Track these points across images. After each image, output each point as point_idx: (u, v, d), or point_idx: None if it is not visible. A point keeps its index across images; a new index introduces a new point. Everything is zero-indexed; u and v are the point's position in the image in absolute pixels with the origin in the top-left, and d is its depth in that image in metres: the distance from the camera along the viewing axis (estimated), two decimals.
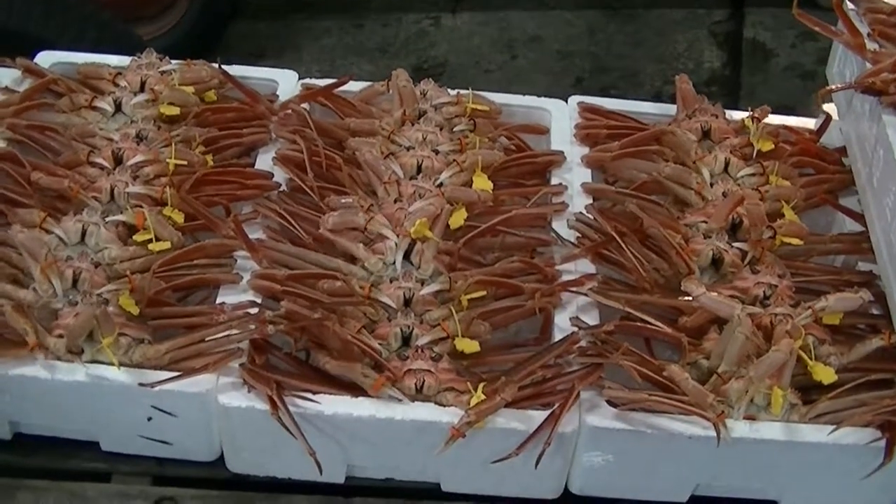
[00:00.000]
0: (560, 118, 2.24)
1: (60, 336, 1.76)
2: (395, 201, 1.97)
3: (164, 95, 2.11)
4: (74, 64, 2.27)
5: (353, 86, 2.26)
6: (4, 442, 1.86)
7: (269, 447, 1.77)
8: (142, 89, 2.15)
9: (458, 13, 3.15)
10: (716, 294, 1.85)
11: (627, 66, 2.88)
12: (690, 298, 1.87)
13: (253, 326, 1.77)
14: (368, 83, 2.24)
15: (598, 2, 3.11)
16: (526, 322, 1.93)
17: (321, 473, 1.73)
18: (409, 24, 3.11)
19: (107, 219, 1.91)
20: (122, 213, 1.94)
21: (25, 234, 1.81)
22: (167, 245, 1.88)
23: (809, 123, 2.31)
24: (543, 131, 2.23)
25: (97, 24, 2.50)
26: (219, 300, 1.86)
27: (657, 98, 2.51)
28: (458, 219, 1.94)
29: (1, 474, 1.83)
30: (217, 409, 1.74)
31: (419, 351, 1.78)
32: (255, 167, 2.09)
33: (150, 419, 1.78)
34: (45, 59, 2.29)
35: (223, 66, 2.15)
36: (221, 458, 1.83)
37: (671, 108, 2.29)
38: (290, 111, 2.14)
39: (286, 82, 2.26)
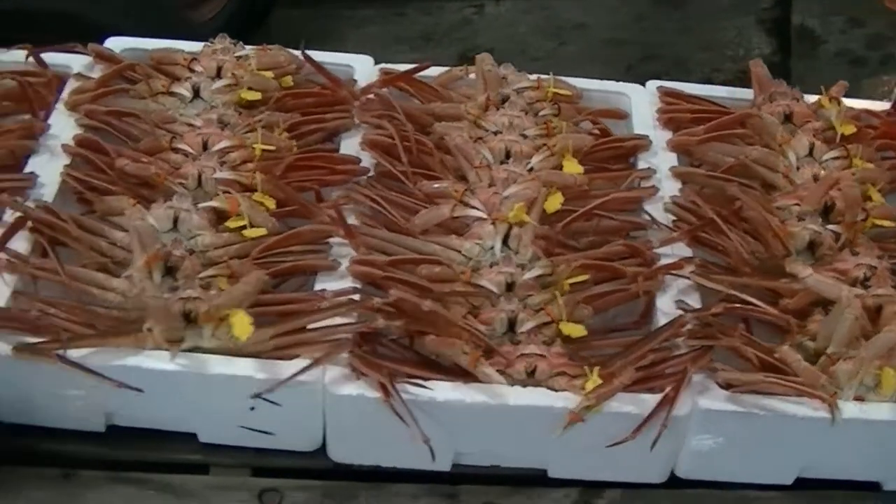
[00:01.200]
0: (640, 103, 2.22)
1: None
2: (489, 186, 1.95)
3: (244, 80, 2.07)
4: (144, 50, 2.22)
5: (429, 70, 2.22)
6: (99, 434, 1.82)
7: (377, 435, 1.74)
8: (218, 74, 2.11)
9: (501, 1, 3.13)
10: (821, 276, 1.84)
11: (676, 54, 2.88)
12: (788, 280, 1.87)
13: (359, 318, 1.74)
14: (445, 68, 2.21)
15: None
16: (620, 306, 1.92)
17: (434, 460, 1.71)
18: (452, 12, 3.08)
19: (198, 205, 1.87)
20: (210, 199, 1.90)
21: (142, 223, 1.77)
22: (263, 231, 1.85)
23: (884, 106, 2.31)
24: (623, 116, 2.22)
25: (159, 9, 2.45)
26: (317, 287, 1.83)
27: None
28: (555, 203, 1.92)
29: (96, 467, 1.79)
30: (326, 397, 1.72)
31: (531, 335, 1.76)
32: (340, 152, 2.05)
33: (252, 409, 1.75)
34: (115, 44, 2.23)
35: (306, 52, 2.11)
36: (321, 447, 1.81)
37: (744, 93, 2.28)
38: (371, 96, 2.10)
39: (362, 67, 2.22)
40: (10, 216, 1.88)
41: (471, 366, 1.68)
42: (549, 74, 2.30)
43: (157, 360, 1.71)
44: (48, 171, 1.98)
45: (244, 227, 1.85)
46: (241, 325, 1.66)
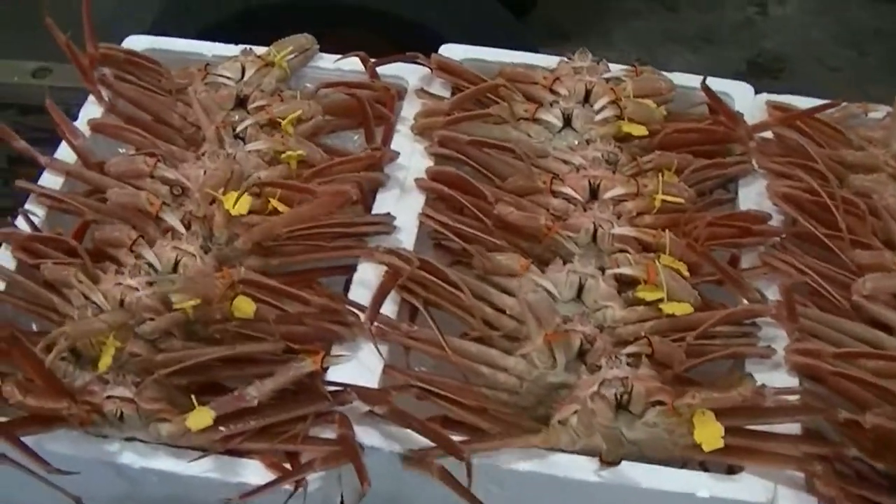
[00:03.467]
0: None
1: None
2: None
3: (627, 110, 1.75)
4: (482, 60, 1.90)
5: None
6: None
7: None
8: (586, 99, 1.79)
9: (787, 1, 2.77)
10: None
11: None
12: None
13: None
14: (839, 103, 1.85)
15: None
16: None
17: None
18: (731, 10, 2.74)
19: (605, 271, 1.57)
20: (607, 259, 1.59)
21: (536, 297, 1.47)
22: (687, 308, 1.54)
23: None
24: None
25: (492, 19, 2.12)
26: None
27: None
28: None
29: None
30: None
31: None
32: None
33: None
34: (451, 53, 1.90)
35: (706, 84, 1.77)
36: None
37: None
38: (768, 136, 1.78)
39: (742, 97, 1.86)
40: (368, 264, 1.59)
41: None
42: (850, 88, 1.99)
43: (574, 469, 1.43)
44: (401, 210, 1.67)
45: (660, 300, 1.54)
46: (712, 433, 1.37)
